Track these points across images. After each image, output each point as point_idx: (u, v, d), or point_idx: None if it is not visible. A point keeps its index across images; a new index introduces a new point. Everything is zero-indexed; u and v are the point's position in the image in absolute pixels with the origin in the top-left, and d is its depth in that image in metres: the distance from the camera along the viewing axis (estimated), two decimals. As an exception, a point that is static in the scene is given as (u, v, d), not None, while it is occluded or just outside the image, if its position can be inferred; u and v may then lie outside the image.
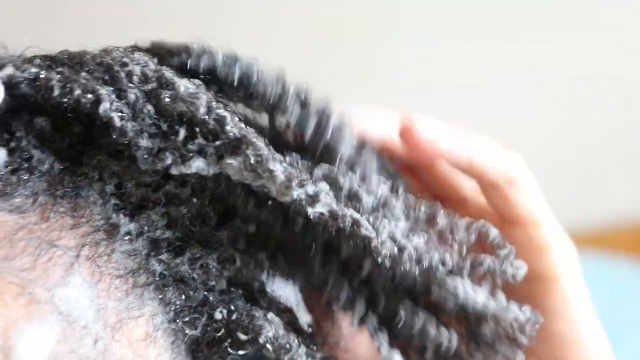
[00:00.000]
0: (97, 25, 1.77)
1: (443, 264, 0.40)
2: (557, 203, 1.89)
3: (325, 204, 0.37)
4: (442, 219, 0.41)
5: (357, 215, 0.37)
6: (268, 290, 0.41)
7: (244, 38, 1.87)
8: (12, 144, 0.36)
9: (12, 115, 0.36)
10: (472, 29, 1.86)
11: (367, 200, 0.38)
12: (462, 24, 1.86)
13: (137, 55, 0.38)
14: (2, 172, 0.36)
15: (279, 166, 0.36)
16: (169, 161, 0.36)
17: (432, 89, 1.86)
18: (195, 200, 0.39)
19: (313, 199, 0.36)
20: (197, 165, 0.36)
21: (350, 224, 0.37)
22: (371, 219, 0.38)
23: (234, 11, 1.89)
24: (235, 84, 0.40)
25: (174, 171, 0.36)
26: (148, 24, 1.84)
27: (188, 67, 0.40)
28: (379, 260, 0.38)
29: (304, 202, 0.36)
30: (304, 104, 0.40)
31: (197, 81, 0.38)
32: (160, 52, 0.40)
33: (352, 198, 0.38)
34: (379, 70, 1.89)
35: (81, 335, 0.36)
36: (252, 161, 0.36)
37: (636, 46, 1.84)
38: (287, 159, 0.37)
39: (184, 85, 0.37)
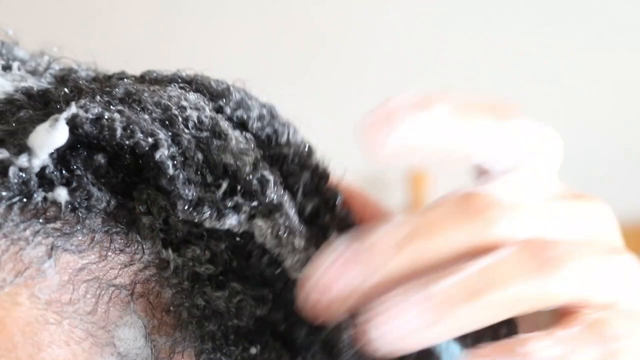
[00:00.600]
0: (96, 25, 1.77)
1: None
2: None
3: None
4: None
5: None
6: (294, 331, 0.41)
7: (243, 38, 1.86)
8: (74, 184, 0.36)
9: (70, 151, 0.36)
10: (470, 27, 1.86)
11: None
12: (461, 22, 1.86)
13: (193, 97, 0.38)
14: (64, 212, 0.36)
15: (303, 243, 0.37)
16: (206, 215, 0.37)
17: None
18: (234, 236, 0.39)
19: None
20: (231, 222, 0.37)
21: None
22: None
23: (233, 11, 1.89)
24: (264, 141, 0.40)
25: (207, 225, 0.37)
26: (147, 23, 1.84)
27: (224, 112, 0.40)
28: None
29: None
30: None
31: (249, 136, 0.39)
32: (201, 90, 0.40)
33: None
34: (378, 69, 1.89)
35: None
36: (280, 230, 0.37)
37: (636, 46, 1.84)
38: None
39: (236, 138, 0.38)
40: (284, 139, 0.40)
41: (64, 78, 0.42)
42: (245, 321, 0.39)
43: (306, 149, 0.41)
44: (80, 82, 0.40)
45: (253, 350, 0.40)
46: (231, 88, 0.41)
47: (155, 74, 0.42)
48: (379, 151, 0.35)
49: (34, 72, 0.42)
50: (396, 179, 1.87)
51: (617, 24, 1.82)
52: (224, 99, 0.40)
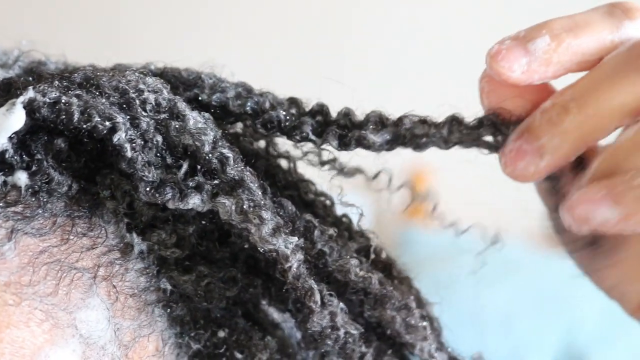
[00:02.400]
0: (95, 24, 1.78)
1: None
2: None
3: (297, 260, 0.38)
4: None
5: (314, 286, 0.38)
6: (264, 309, 0.42)
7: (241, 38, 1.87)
8: (34, 167, 0.36)
9: (30, 136, 0.37)
10: (469, 26, 1.86)
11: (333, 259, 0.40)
12: (459, 21, 1.87)
13: (150, 80, 0.38)
14: (24, 196, 0.36)
15: (269, 215, 0.37)
16: (168, 196, 0.37)
17: (432, 92, 1.86)
18: (200, 220, 0.39)
19: (287, 256, 0.37)
20: (194, 202, 0.37)
21: (306, 291, 0.38)
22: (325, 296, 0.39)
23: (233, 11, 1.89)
24: (248, 117, 0.41)
25: (171, 205, 0.37)
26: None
27: (201, 99, 0.40)
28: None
29: (279, 255, 0.37)
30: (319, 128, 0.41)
31: (207, 115, 0.39)
32: (173, 81, 0.40)
33: (319, 257, 0.39)
34: (379, 69, 1.89)
35: (99, 356, 0.36)
36: (244, 205, 0.36)
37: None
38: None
39: (194, 118, 0.38)
40: (267, 105, 0.40)
41: (32, 70, 0.42)
42: (214, 304, 0.40)
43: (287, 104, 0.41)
44: (45, 71, 0.40)
45: (221, 334, 0.40)
46: (202, 75, 0.41)
47: (124, 67, 0.42)
48: (512, 73, 0.37)
49: (3, 65, 0.42)
50: (396, 178, 1.87)
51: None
52: (197, 87, 0.41)
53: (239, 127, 0.43)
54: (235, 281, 0.40)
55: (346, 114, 0.42)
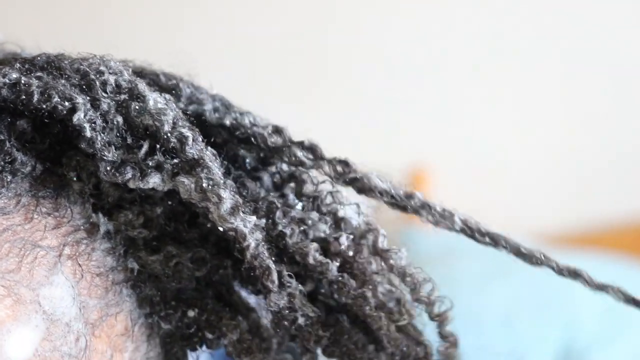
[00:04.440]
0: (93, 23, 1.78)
1: None
2: (558, 203, 1.90)
3: (255, 239, 0.38)
4: None
5: (271, 266, 0.39)
6: (238, 292, 0.42)
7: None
8: None
9: None
10: (470, 29, 1.86)
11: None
12: (461, 24, 1.86)
13: (113, 63, 0.39)
14: None
15: (227, 194, 0.37)
16: (129, 176, 0.37)
17: (432, 92, 1.86)
18: (168, 201, 0.40)
19: (245, 235, 0.38)
20: (154, 181, 0.37)
21: (264, 271, 0.39)
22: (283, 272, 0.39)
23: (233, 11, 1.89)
24: (224, 131, 0.41)
25: (131, 185, 0.37)
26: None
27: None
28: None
29: (238, 234, 0.38)
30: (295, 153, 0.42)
31: (168, 96, 0.39)
32: (151, 84, 0.41)
33: (280, 239, 0.40)
34: (382, 72, 1.89)
35: (64, 333, 0.37)
36: (203, 184, 0.37)
37: (636, 46, 1.84)
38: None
39: (154, 99, 0.38)
40: (247, 123, 0.41)
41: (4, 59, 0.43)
42: (183, 284, 0.40)
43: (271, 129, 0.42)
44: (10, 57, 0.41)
45: (191, 313, 0.41)
46: (181, 84, 0.41)
47: None
48: None
49: None
50: (396, 178, 1.86)
51: (617, 24, 1.82)
52: (174, 95, 0.41)
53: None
54: (204, 262, 0.41)
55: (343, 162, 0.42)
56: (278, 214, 0.40)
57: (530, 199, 1.84)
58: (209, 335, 0.42)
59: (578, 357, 1.63)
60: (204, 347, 0.42)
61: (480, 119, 1.86)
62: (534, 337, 1.63)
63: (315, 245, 0.40)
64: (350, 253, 0.41)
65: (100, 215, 0.39)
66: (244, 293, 0.42)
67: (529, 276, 1.78)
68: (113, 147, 0.37)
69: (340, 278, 0.40)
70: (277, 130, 0.42)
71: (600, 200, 1.84)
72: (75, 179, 0.39)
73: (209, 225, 0.40)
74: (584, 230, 1.82)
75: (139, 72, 0.41)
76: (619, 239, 1.77)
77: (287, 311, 0.39)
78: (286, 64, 1.88)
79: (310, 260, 0.40)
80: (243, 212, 0.38)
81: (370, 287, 0.41)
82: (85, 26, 1.81)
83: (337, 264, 0.41)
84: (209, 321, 0.41)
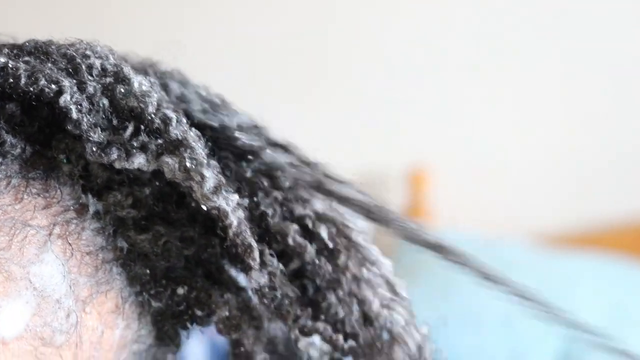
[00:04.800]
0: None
1: None
2: (558, 203, 1.90)
3: (237, 217, 0.39)
4: None
5: (253, 244, 0.40)
6: (229, 272, 0.43)
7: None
8: None
9: None
10: (470, 29, 1.86)
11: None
12: (460, 24, 1.87)
13: (99, 48, 0.40)
14: None
15: (210, 173, 0.38)
16: (114, 156, 0.38)
17: (432, 92, 1.86)
18: (156, 182, 0.41)
19: (228, 213, 0.39)
20: (139, 161, 0.38)
21: (245, 249, 0.40)
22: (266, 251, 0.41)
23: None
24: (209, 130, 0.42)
25: (117, 165, 0.38)
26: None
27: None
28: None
29: (220, 212, 0.39)
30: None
31: (152, 79, 0.40)
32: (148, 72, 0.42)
33: (262, 219, 0.41)
34: (383, 71, 1.89)
35: (54, 309, 0.38)
36: (187, 163, 0.38)
37: (636, 46, 1.84)
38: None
39: (139, 82, 0.39)
40: (232, 125, 0.42)
41: None
42: (172, 262, 0.42)
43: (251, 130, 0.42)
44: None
45: (180, 291, 0.42)
46: (169, 82, 0.43)
47: None
48: None
49: None
50: (396, 178, 1.87)
51: (617, 25, 1.83)
52: (164, 91, 0.42)
53: None
54: (192, 241, 0.41)
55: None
56: (260, 194, 0.41)
57: (530, 199, 1.84)
58: (199, 313, 0.43)
59: (578, 357, 1.63)
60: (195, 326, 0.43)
61: (480, 119, 1.86)
62: (534, 337, 1.63)
63: (295, 226, 0.41)
64: (327, 237, 0.42)
65: (90, 196, 0.40)
66: (234, 272, 0.43)
67: (529, 276, 1.78)
68: (99, 128, 0.38)
69: (317, 261, 0.41)
70: (256, 131, 0.43)
71: (600, 200, 1.84)
72: (64, 161, 0.39)
73: (194, 205, 0.41)
74: (584, 230, 1.82)
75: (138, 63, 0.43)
76: (619, 239, 1.77)
77: (267, 289, 0.41)
78: (286, 64, 1.88)
79: (290, 241, 0.41)
80: (226, 192, 0.39)
81: (346, 272, 0.42)
82: (85, 27, 1.82)
83: (316, 247, 0.42)
84: (198, 298, 0.42)
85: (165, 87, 0.42)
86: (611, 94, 1.84)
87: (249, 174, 0.41)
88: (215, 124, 0.42)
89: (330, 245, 0.42)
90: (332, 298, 0.42)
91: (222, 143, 0.42)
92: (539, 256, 1.66)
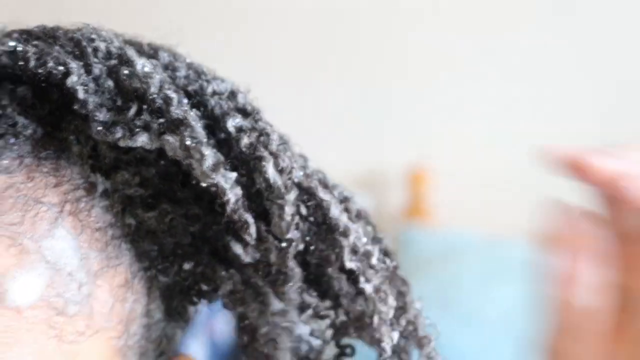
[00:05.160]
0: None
1: None
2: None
3: (235, 194, 0.40)
4: None
5: (250, 220, 0.41)
6: (232, 246, 0.44)
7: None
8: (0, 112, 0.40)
9: None
10: (470, 24, 1.86)
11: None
12: (461, 24, 1.87)
13: (104, 32, 0.42)
14: None
15: (210, 151, 0.39)
16: (119, 135, 0.40)
17: (432, 92, 1.86)
18: (162, 161, 0.42)
19: (225, 190, 0.40)
20: (142, 139, 0.40)
21: (242, 224, 0.41)
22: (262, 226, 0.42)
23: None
24: (192, 94, 0.43)
25: (121, 144, 0.40)
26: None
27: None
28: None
29: (219, 189, 0.40)
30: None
31: (155, 62, 0.42)
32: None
33: (259, 196, 0.42)
34: (382, 68, 1.89)
35: (67, 281, 0.39)
36: (187, 141, 0.39)
37: (636, 46, 1.84)
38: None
39: (142, 64, 0.41)
40: (209, 91, 0.43)
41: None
42: (179, 238, 0.43)
43: (230, 93, 0.44)
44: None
45: (187, 266, 0.44)
46: (160, 52, 0.44)
47: None
48: (593, 174, 0.39)
49: None
50: (396, 178, 1.87)
51: (617, 24, 1.83)
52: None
53: None
54: (197, 218, 0.43)
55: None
56: (256, 173, 0.42)
57: (530, 199, 1.84)
58: (205, 287, 0.44)
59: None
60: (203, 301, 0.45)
61: (480, 119, 1.86)
62: (534, 337, 1.63)
63: (290, 207, 0.42)
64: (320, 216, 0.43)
65: (99, 175, 0.42)
66: (239, 248, 0.44)
67: (530, 276, 1.78)
68: (104, 108, 0.40)
69: (308, 239, 0.43)
70: (231, 96, 0.44)
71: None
72: (74, 142, 0.41)
73: (198, 184, 0.42)
74: (584, 230, 1.82)
75: (125, 41, 0.44)
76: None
77: (263, 265, 0.42)
78: (286, 64, 1.88)
79: (286, 218, 0.42)
80: (224, 169, 0.40)
81: (337, 250, 0.43)
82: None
83: (308, 225, 0.43)
84: (204, 274, 0.44)
85: (154, 56, 0.44)
86: (611, 94, 1.84)
87: (244, 150, 0.42)
88: (190, 89, 0.43)
89: (324, 223, 0.43)
90: (329, 273, 0.44)
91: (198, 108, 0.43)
92: (539, 256, 1.65)
